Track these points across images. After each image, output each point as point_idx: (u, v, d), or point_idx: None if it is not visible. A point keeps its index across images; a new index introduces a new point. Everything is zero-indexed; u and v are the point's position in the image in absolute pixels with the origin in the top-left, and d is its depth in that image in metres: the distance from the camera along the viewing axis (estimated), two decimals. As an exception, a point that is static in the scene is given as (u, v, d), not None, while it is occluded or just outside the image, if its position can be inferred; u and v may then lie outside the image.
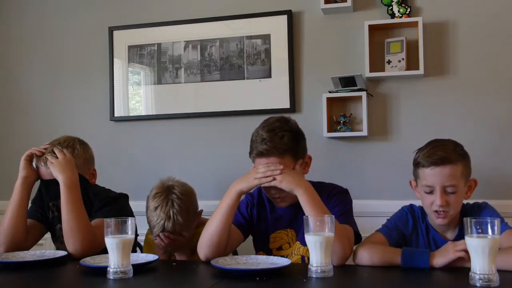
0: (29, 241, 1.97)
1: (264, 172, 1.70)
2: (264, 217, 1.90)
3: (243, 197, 1.85)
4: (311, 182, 1.76)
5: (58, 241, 2.02)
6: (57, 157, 1.91)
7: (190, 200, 2.01)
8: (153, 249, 2.08)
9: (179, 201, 1.95)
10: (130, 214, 2.05)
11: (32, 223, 2.00)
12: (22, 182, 1.96)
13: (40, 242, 2.07)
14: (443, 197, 1.67)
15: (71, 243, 1.81)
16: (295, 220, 1.84)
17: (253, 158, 1.79)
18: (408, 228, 1.81)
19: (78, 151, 2.02)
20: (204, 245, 1.72)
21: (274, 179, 1.69)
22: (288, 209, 1.85)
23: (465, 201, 1.82)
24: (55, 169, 1.89)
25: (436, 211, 1.70)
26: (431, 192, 1.70)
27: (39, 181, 2.01)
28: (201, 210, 2.09)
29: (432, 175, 1.69)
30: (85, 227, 1.82)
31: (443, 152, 1.70)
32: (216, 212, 1.74)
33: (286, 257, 1.68)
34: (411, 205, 1.88)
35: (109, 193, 2.05)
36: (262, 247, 1.89)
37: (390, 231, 1.80)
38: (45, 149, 1.98)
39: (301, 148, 1.83)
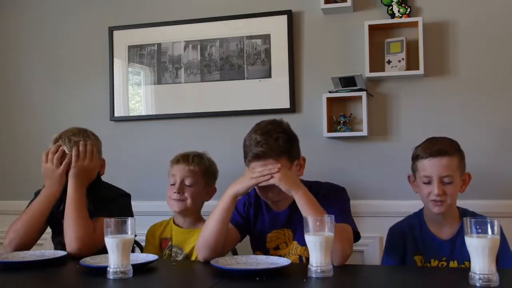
0: (35, 242, 1.99)
1: (261, 172, 1.70)
2: (261, 217, 1.91)
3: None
4: (307, 181, 1.77)
5: (62, 235, 2.02)
6: (84, 156, 1.95)
7: (216, 167, 2.20)
8: (153, 247, 2.09)
9: (209, 159, 2.18)
10: (130, 214, 2.05)
11: None
12: (57, 194, 1.96)
13: (40, 242, 2.08)
14: (440, 187, 1.77)
15: (68, 240, 1.84)
16: (291, 220, 1.85)
17: (249, 162, 1.78)
18: (406, 239, 1.90)
19: (92, 141, 2.04)
20: (201, 247, 1.72)
21: (272, 177, 1.69)
22: (284, 209, 1.85)
23: (462, 203, 1.88)
24: (75, 171, 1.93)
25: (433, 200, 1.79)
26: (429, 183, 1.80)
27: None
28: (215, 188, 2.17)
29: (430, 165, 1.80)
30: (82, 226, 1.84)
31: (440, 145, 1.82)
32: (212, 214, 1.74)
33: (284, 257, 1.68)
34: (396, 225, 1.97)
35: (112, 192, 2.05)
36: (259, 247, 1.90)
37: (394, 256, 1.88)
38: (59, 145, 1.98)
39: (296, 149, 1.84)
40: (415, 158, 1.87)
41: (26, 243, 1.92)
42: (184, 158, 2.11)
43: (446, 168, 1.78)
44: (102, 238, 1.52)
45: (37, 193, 2.09)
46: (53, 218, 2.03)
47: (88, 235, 1.84)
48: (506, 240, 1.75)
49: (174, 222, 2.15)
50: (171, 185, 2.10)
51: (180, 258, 2.04)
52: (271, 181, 1.69)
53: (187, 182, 2.07)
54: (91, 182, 1.98)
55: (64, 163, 1.95)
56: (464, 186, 1.88)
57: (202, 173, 2.10)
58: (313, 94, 2.64)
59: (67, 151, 1.96)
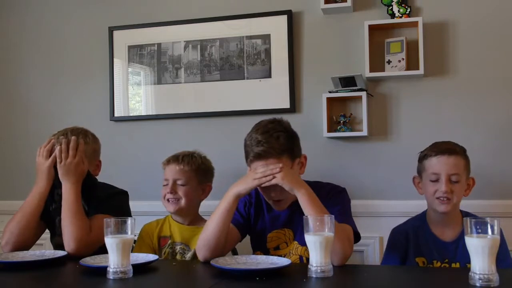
0: (34, 242, 1.98)
1: (263, 172, 1.69)
2: (261, 217, 1.91)
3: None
4: (308, 181, 1.77)
5: (57, 234, 2.02)
6: (67, 155, 1.93)
7: (210, 165, 2.19)
8: (148, 247, 2.08)
9: (202, 156, 2.17)
10: (127, 211, 2.05)
11: None
12: (45, 189, 1.95)
13: (40, 242, 2.08)
14: (448, 185, 1.80)
15: (66, 241, 1.84)
16: (292, 220, 1.85)
17: (250, 162, 1.78)
18: (408, 240, 1.90)
19: (89, 139, 2.05)
20: (202, 247, 1.72)
21: (275, 177, 1.69)
22: (285, 209, 1.85)
23: (462, 203, 1.89)
24: (62, 171, 1.91)
25: (439, 198, 1.81)
26: (436, 180, 1.83)
27: None
28: (210, 186, 2.17)
29: (438, 163, 1.83)
30: (79, 226, 1.84)
31: (449, 145, 1.88)
32: (213, 215, 1.74)
33: (284, 257, 1.68)
34: (398, 226, 1.97)
35: (108, 190, 2.05)
36: (259, 247, 1.89)
37: (395, 256, 1.89)
38: (51, 139, 1.99)
39: (297, 147, 1.84)
40: (423, 157, 1.90)
41: (23, 242, 1.92)
42: (174, 159, 2.12)
43: (454, 167, 1.82)
44: (99, 237, 1.52)
45: None
46: (49, 218, 2.03)
47: (85, 235, 1.84)
48: (505, 243, 1.75)
49: (174, 220, 2.14)
50: (164, 185, 2.11)
51: (189, 255, 2.03)
52: (274, 181, 1.69)
53: (180, 181, 2.07)
54: (86, 182, 1.96)
55: (52, 155, 1.94)
56: (468, 190, 1.91)
57: (193, 171, 2.10)
58: (313, 94, 2.64)
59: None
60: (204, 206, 2.18)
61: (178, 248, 2.07)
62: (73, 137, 1.96)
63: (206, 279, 1.59)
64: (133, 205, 2.12)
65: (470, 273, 1.33)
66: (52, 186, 1.97)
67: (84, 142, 1.99)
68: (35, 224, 1.95)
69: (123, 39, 2.92)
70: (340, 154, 2.61)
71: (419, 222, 1.92)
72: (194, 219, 2.12)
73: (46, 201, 1.99)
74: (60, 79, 3.03)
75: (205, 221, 2.06)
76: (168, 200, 2.08)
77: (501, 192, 2.41)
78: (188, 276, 1.67)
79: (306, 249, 1.60)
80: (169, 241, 2.10)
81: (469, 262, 1.35)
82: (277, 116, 1.89)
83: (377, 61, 2.53)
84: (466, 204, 1.96)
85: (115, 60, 2.93)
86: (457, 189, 1.82)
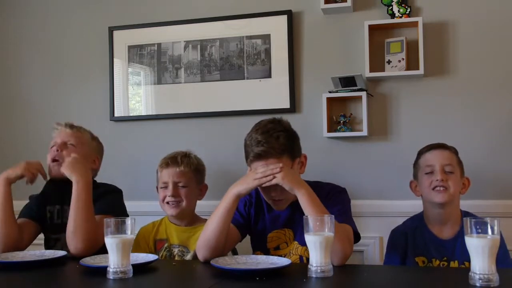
0: (24, 240, 1.96)
1: (263, 172, 1.69)
2: (261, 217, 1.91)
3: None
4: (308, 181, 1.77)
5: (53, 247, 2.02)
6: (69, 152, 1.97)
7: (203, 164, 2.19)
8: (144, 251, 2.07)
9: (196, 156, 2.16)
10: (121, 209, 2.05)
11: (26, 221, 1.99)
12: (6, 179, 1.95)
13: (40, 242, 2.07)
14: (443, 174, 1.85)
15: (75, 241, 1.82)
16: (292, 220, 1.85)
17: (250, 162, 1.78)
18: (408, 240, 1.92)
19: (94, 135, 2.13)
20: (202, 247, 1.72)
21: (275, 177, 1.68)
22: (285, 209, 1.85)
23: (462, 203, 1.90)
24: (67, 169, 1.91)
25: (435, 188, 1.84)
26: (431, 172, 1.87)
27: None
28: (206, 186, 2.17)
29: (432, 156, 1.90)
30: (90, 227, 1.83)
31: (440, 143, 1.95)
32: (213, 215, 1.73)
33: (284, 257, 1.68)
34: (397, 228, 1.99)
35: (100, 190, 2.04)
36: (260, 247, 1.89)
37: (396, 257, 1.90)
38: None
39: (297, 147, 1.84)
40: (418, 156, 1.96)
41: (8, 242, 1.89)
42: (173, 160, 2.08)
43: (447, 158, 1.88)
44: (101, 237, 1.52)
45: (31, 197, 2.08)
46: (50, 228, 2.03)
47: (94, 236, 1.82)
48: (505, 245, 1.75)
49: (170, 222, 2.12)
50: (162, 188, 2.07)
51: (188, 257, 2.02)
52: (274, 181, 1.69)
53: (181, 184, 2.05)
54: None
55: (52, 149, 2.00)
56: (464, 189, 1.93)
57: (192, 172, 2.09)
58: (313, 94, 2.64)
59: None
60: (204, 206, 2.18)
61: (176, 250, 2.06)
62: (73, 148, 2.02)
63: (206, 279, 1.59)
64: (133, 205, 2.12)
65: (470, 273, 1.33)
66: (61, 201, 2.01)
67: (88, 133, 2.09)
68: (12, 220, 1.92)
69: (123, 39, 2.92)
70: (340, 154, 2.61)
71: (417, 222, 1.92)
72: (192, 220, 2.11)
73: (41, 207, 2.01)
74: (60, 79, 3.03)
75: (202, 220, 2.07)
76: (168, 203, 2.05)
77: (501, 192, 2.41)
78: (188, 276, 1.67)
79: (306, 249, 1.60)
80: (166, 244, 2.08)
81: (467, 260, 1.35)
82: (277, 116, 1.89)
83: (377, 61, 2.53)
84: (466, 204, 1.96)
85: (115, 60, 2.93)
86: (452, 180, 1.85)
